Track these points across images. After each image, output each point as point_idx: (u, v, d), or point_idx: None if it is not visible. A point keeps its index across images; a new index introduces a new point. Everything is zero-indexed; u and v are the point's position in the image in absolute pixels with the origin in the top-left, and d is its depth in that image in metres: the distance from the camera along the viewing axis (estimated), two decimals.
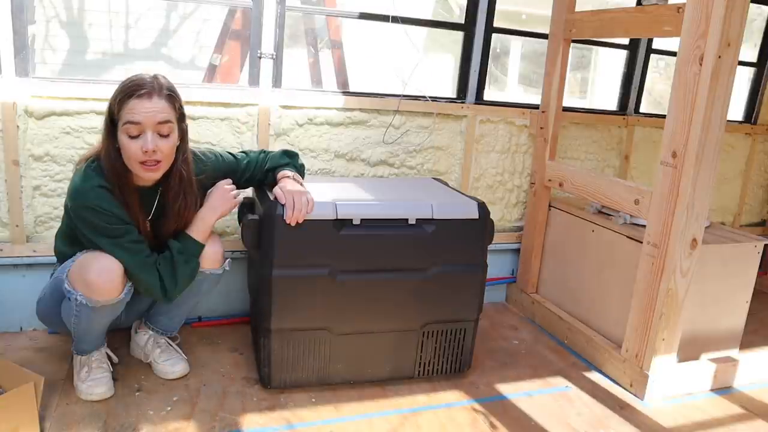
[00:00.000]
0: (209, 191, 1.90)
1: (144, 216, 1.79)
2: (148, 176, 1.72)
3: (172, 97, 1.70)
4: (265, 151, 2.06)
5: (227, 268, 1.99)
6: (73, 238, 1.80)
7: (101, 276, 1.68)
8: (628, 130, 3.08)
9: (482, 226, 2.02)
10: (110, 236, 1.70)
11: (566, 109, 2.78)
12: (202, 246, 1.85)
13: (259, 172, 2.01)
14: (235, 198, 1.90)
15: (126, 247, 1.72)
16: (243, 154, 2.02)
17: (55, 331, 2.17)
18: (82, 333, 1.81)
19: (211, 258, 1.91)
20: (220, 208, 1.87)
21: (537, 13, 7.39)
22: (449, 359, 2.13)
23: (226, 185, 1.89)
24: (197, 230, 1.85)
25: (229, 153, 2.00)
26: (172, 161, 1.75)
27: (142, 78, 1.68)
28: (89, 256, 1.72)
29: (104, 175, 1.70)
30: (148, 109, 1.64)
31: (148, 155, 1.66)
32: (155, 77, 1.70)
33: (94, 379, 1.84)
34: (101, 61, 5.81)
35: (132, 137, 1.65)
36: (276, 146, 2.41)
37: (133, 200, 1.74)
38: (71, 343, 1.89)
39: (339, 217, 1.87)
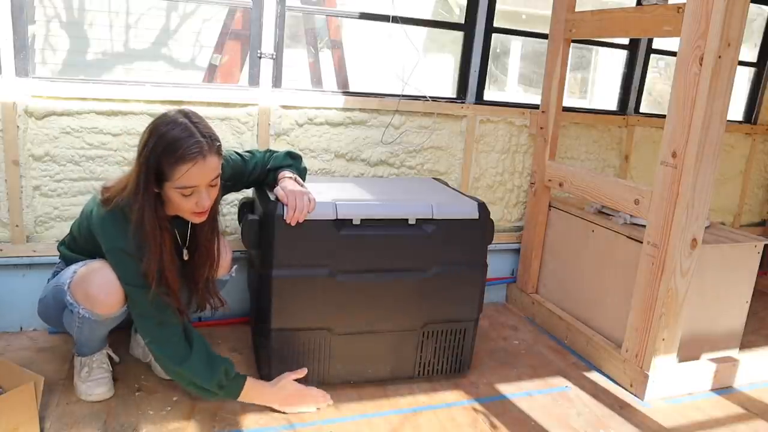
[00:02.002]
0: (284, 383, 1.88)
1: (175, 251, 1.74)
2: (197, 221, 1.71)
3: (219, 147, 1.63)
4: (270, 151, 2.02)
5: (233, 275, 1.99)
6: (82, 251, 1.79)
7: (102, 289, 1.67)
8: (628, 130, 3.08)
9: (482, 226, 2.02)
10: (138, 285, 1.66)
11: (566, 109, 2.78)
12: (236, 394, 1.80)
13: (262, 172, 1.99)
14: (307, 404, 1.88)
15: (148, 303, 1.67)
16: (249, 153, 1.98)
17: (56, 330, 2.16)
18: (84, 340, 1.81)
19: (222, 266, 1.90)
20: (282, 406, 1.85)
21: (537, 13, 7.40)
22: (449, 359, 2.13)
23: (317, 400, 1.89)
24: (248, 394, 1.81)
25: (237, 153, 1.95)
26: None
27: (192, 134, 1.56)
28: (91, 269, 1.70)
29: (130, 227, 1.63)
30: (204, 173, 1.59)
31: (200, 207, 1.64)
32: (196, 126, 1.58)
33: (95, 380, 1.84)
34: (101, 61, 5.82)
35: (186, 196, 1.61)
36: (276, 146, 2.41)
37: (166, 238, 1.67)
38: (72, 343, 1.89)
39: (339, 217, 1.87)
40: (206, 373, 1.73)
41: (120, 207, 1.64)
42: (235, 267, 1.98)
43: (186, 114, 1.61)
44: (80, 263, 1.76)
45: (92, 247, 1.74)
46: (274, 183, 1.93)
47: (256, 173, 1.97)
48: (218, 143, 1.62)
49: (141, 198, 1.60)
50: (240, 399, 1.81)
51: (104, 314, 1.70)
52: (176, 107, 1.72)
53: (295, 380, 1.91)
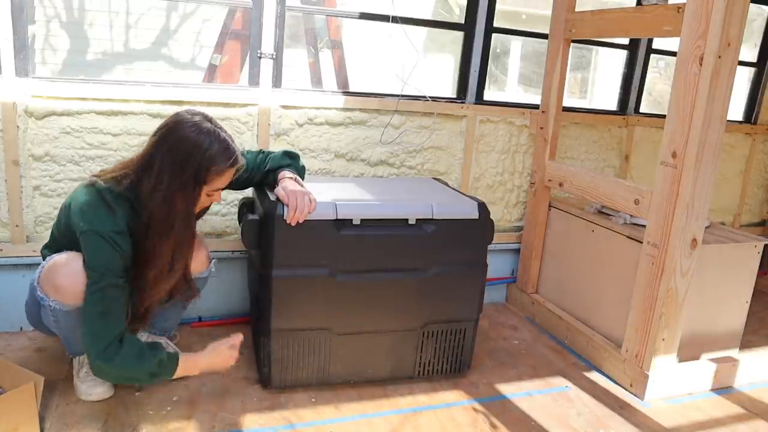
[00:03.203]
0: (214, 345, 1.87)
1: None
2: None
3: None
4: (263, 152, 2.03)
5: (213, 270, 2.02)
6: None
7: (68, 278, 1.67)
8: (628, 130, 3.08)
9: (482, 226, 2.02)
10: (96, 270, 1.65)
11: (566, 109, 2.78)
12: (170, 377, 1.78)
13: (258, 174, 1.98)
14: (233, 359, 1.88)
15: (101, 290, 1.65)
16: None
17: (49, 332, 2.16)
18: (66, 335, 1.80)
19: (198, 261, 1.93)
20: (217, 365, 1.87)
21: (537, 13, 7.40)
22: (449, 359, 2.13)
23: (233, 348, 1.87)
24: (184, 366, 1.79)
25: None
26: None
27: (228, 145, 1.69)
28: (57, 260, 1.71)
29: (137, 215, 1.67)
30: (231, 177, 1.77)
31: (213, 203, 1.82)
32: (224, 133, 1.71)
33: (94, 379, 1.84)
34: (101, 61, 5.82)
35: (209, 196, 1.75)
36: (276, 146, 2.41)
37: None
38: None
39: (339, 217, 1.87)
40: (135, 368, 1.69)
41: (115, 192, 1.66)
42: (213, 262, 2.01)
43: (209, 119, 1.71)
44: (48, 257, 1.76)
45: (68, 242, 1.74)
46: (275, 183, 1.93)
47: (247, 174, 1.96)
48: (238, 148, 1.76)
49: (189, 196, 1.68)
50: (174, 377, 1.79)
51: (73, 303, 1.68)
52: (185, 108, 1.78)
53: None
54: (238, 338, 1.89)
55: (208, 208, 1.90)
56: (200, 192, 1.70)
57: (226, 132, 1.71)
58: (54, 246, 1.82)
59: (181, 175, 1.64)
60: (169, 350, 1.80)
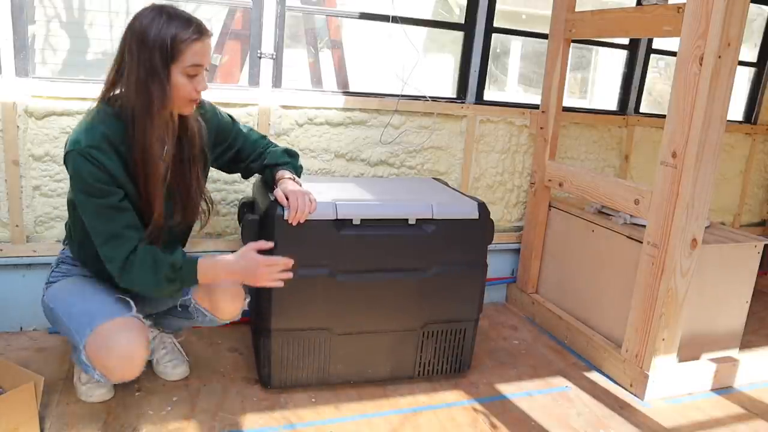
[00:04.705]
0: (245, 249, 1.72)
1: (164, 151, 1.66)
2: (188, 111, 1.68)
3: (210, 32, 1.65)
4: (265, 137, 2.00)
5: (236, 319, 1.94)
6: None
7: (122, 362, 1.60)
8: (628, 130, 3.08)
9: (482, 226, 2.02)
10: (94, 196, 1.57)
11: (566, 109, 2.78)
12: (194, 283, 1.69)
13: (255, 161, 1.95)
14: (269, 277, 1.72)
15: (104, 213, 1.58)
16: (242, 125, 1.97)
17: (56, 330, 2.16)
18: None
19: (230, 313, 1.85)
20: (245, 278, 1.73)
21: (537, 13, 7.39)
22: (449, 359, 2.13)
23: (269, 264, 1.71)
24: (206, 272, 1.67)
25: (228, 115, 1.94)
26: None
27: (188, 17, 1.58)
28: (109, 334, 1.59)
29: (123, 125, 1.57)
30: (208, 51, 1.61)
31: (198, 94, 1.64)
32: (184, 13, 1.60)
33: (95, 381, 1.83)
34: (101, 61, 5.81)
35: (190, 77, 1.59)
36: None
37: (158, 141, 1.61)
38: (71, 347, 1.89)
39: (339, 217, 1.87)
40: (150, 274, 1.62)
41: (98, 110, 1.60)
42: (247, 301, 1.89)
43: (165, 5, 1.60)
44: (92, 304, 1.67)
45: (81, 231, 1.67)
46: (273, 181, 1.92)
47: (239, 146, 1.93)
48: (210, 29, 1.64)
49: (158, 82, 1.55)
50: (201, 282, 1.68)
51: (120, 381, 1.66)
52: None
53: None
54: (267, 244, 1.73)
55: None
56: (171, 72, 1.56)
57: (187, 12, 1.60)
58: (71, 237, 1.78)
59: (147, 59, 1.54)
60: (180, 259, 1.67)
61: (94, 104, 1.65)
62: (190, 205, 1.78)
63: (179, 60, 1.56)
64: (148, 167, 1.61)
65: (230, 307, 1.83)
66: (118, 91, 1.62)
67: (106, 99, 1.64)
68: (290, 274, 1.73)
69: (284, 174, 1.91)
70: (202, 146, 1.79)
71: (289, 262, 1.73)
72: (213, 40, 1.69)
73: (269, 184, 1.95)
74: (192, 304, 1.82)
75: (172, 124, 1.68)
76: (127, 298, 1.71)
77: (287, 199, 1.80)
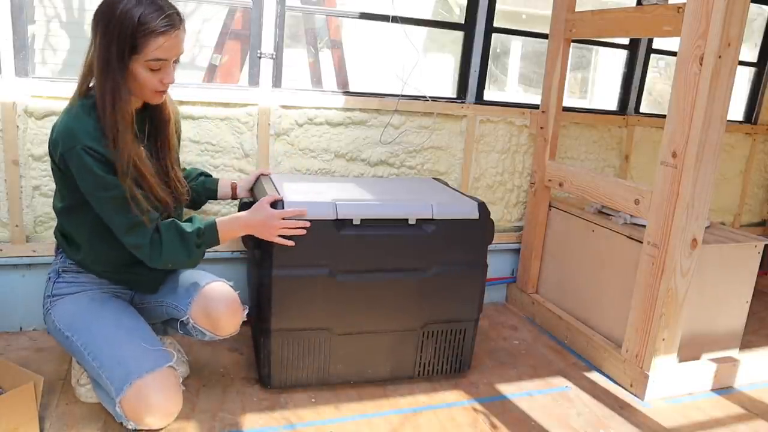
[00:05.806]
0: (259, 204, 1.78)
1: (138, 142, 1.65)
2: (157, 101, 1.67)
3: (184, 22, 1.59)
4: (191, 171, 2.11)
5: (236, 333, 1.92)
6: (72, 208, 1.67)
7: (159, 419, 1.60)
8: (628, 130, 3.08)
9: (482, 226, 2.02)
10: (104, 188, 1.56)
11: (566, 109, 2.78)
12: (218, 243, 1.74)
13: (201, 190, 2.07)
14: (283, 233, 1.77)
15: (116, 205, 1.58)
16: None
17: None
18: None
19: (230, 329, 1.82)
20: (261, 232, 1.77)
21: (537, 13, 7.40)
22: (449, 359, 2.13)
23: (282, 214, 1.76)
24: (225, 229, 1.74)
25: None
26: None
27: (161, 7, 1.51)
28: (147, 389, 1.56)
29: (98, 115, 1.54)
30: (176, 45, 1.56)
31: (165, 86, 1.61)
32: (167, 2, 1.55)
33: (94, 382, 1.83)
34: None
35: (154, 71, 1.56)
36: (276, 146, 2.41)
37: (129, 132, 1.58)
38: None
39: (339, 217, 1.87)
40: (180, 247, 1.66)
41: (80, 103, 1.57)
42: (245, 311, 1.86)
43: None
44: (124, 350, 1.62)
45: (89, 231, 1.67)
46: (215, 186, 2.10)
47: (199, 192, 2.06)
48: (183, 18, 1.59)
49: (112, 73, 1.51)
50: (222, 240, 1.74)
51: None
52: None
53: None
54: (279, 197, 1.78)
55: (165, 104, 1.74)
56: (131, 65, 1.52)
57: (164, 1, 1.55)
58: (71, 242, 1.74)
59: (106, 49, 1.50)
60: (199, 224, 1.72)
61: (75, 98, 1.61)
62: (171, 186, 1.78)
63: (140, 53, 1.52)
64: (127, 159, 1.57)
65: (230, 323, 1.80)
66: (92, 84, 1.60)
67: (83, 92, 1.60)
68: (303, 231, 1.81)
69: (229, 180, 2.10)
70: (177, 132, 1.83)
71: (303, 211, 1.80)
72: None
73: (212, 190, 2.08)
74: (191, 323, 1.79)
75: (145, 113, 1.70)
76: (161, 347, 1.67)
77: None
